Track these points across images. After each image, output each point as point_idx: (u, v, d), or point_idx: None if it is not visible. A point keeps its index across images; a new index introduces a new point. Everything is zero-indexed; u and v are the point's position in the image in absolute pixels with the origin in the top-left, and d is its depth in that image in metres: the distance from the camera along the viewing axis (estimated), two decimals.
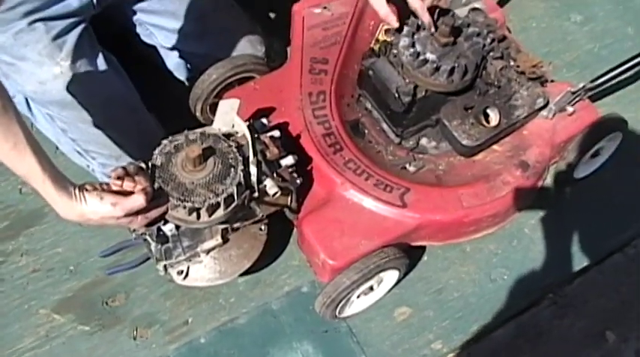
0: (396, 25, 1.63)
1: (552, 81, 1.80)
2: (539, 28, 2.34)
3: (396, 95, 1.58)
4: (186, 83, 1.84)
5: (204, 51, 1.73)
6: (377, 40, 1.85)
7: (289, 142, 1.56)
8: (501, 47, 1.73)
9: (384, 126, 1.75)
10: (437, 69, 1.57)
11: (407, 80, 1.61)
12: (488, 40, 1.67)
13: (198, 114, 1.84)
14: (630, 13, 2.42)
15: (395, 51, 1.65)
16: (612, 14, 2.40)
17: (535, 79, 1.71)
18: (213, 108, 1.46)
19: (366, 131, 1.76)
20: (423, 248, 1.74)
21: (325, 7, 1.88)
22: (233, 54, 1.75)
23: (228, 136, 1.46)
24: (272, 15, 2.13)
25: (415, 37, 1.62)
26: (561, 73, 2.20)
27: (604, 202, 1.88)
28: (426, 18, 1.58)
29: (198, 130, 1.42)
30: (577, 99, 1.75)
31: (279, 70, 1.82)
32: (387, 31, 1.82)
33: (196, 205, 1.24)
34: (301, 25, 1.86)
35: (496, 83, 1.69)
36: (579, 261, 1.87)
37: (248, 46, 1.78)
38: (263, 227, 1.59)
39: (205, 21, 1.70)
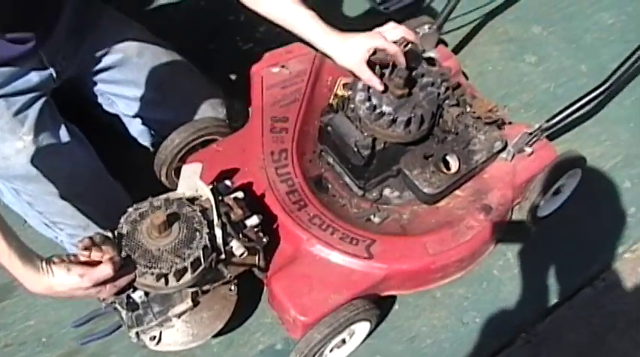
0: (380, 87, 1.61)
1: (510, 123, 1.85)
2: (496, 71, 2.40)
3: (355, 149, 1.61)
4: (151, 149, 1.86)
5: (166, 117, 1.75)
6: (335, 96, 1.89)
7: (254, 202, 1.56)
8: (456, 94, 1.78)
9: (347, 179, 1.78)
10: (394, 121, 1.61)
11: (365, 134, 1.64)
12: (443, 89, 1.71)
13: (163, 179, 1.86)
14: (582, 51, 2.49)
15: (352, 105, 1.69)
16: (565, 53, 2.44)
17: (492, 124, 1.76)
18: (178, 172, 1.48)
19: (330, 186, 1.78)
20: (393, 297, 1.75)
21: (283, 66, 1.92)
22: (195, 118, 1.78)
23: (192, 200, 1.48)
24: (232, 76, 2.17)
25: (371, 90, 1.66)
26: (519, 114, 2.25)
27: (569, 237, 1.91)
28: (402, 61, 1.63)
29: (162, 197, 1.44)
30: (534, 139, 1.79)
31: (240, 130, 1.85)
32: (344, 85, 1.87)
33: (164, 271, 1.26)
34: (260, 85, 1.90)
35: (453, 130, 1.73)
36: (550, 298, 1.88)
37: (209, 109, 1.81)
38: (233, 287, 1.60)
39: (165, 88, 1.73)
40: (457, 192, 1.77)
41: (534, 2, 2.60)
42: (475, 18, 2.48)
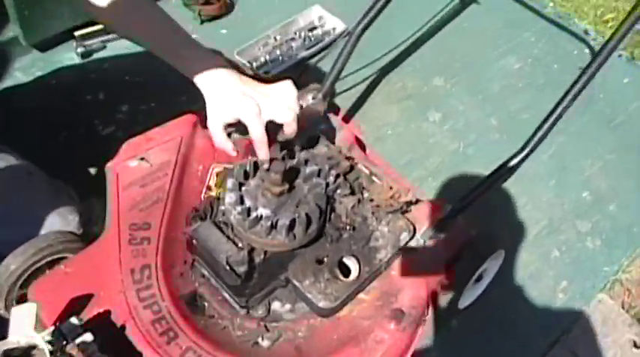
0: (233, 153, 1.34)
1: (417, 201, 1.56)
2: (396, 134, 2.13)
3: (227, 268, 1.27)
4: None
5: (8, 237, 1.39)
6: (209, 188, 1.55)
7: (110, 340, 1.24)
8: (350, 180, 1.48)
9: (226, 294, 1.43)
10: (273, 226, 1.29)
11: (240, 245, 1.31)
12: (332, 178, 1.40)
13: (2, 312, 1.49)
14: (490, 102, 2.26)
15: (222, 208, 1.36)
16: (472, 106, 2.23)
17: (395, 211, 1.46)
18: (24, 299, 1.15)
19: (207, 304, 1.45)
20: None
21: (142, 159, 1.58)
22: (41, 232, 1.41)
23: (31, 348, 1.16)
24: (90, 170, 1.80)
25: (243, 189, 1.34)
26: (427, 183, 1.98)
27: (496, 328, 1.63)
28: (263, 153, 1.31)
29: None
30: (447, 224, 1.50)
31: (94, 244, 1.50)
32: (217, 174, 1.55)
33: None
34: (115, 185, 1.56)
35: (349, 225, 1.43)
36: None
37: (57, 221, 1.48)
38: None
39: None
40: (362, 295, 1.46)
41: (432, 52, 2.36)
42: (368, 74, 2.21)
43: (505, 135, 2.10)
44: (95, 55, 2.18)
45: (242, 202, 1.33)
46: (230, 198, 1.34)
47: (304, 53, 2.25)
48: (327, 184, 1.40)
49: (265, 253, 1.34)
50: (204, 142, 1.51)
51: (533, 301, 1.72)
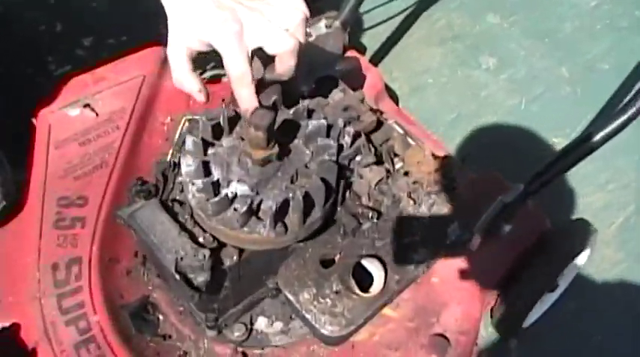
0: (201, 97, 0.85)
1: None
2: (438, 84, 1.64)
3: (177, 276, 0.80)
4: None
5: None
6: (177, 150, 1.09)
7: None
8: (375, 143, 1.00)
9: (191, 305, 0.97)
10: (253, 211, 0.81)
11: (200, 239, 0.84)
12: (348, 138, 0.92)
13: None
14: (559, 47, 1.75)
15: (178, 181, 0.89)
16: (536, 51, 1.72)
17: (441, 191, 0.98)
18: None
19: (161, 317, 0.99)
20: None
21: (87, 105, 1.13)
22: None
23: None
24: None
25: (210, 152, 0.86)
26: (477, 150, 1.48)
27: (572, 350, 1.24)
28: (244, 99, 0.81)
29: None
30: (514, 210, 1.02)
31: (6, 226, 1.06)
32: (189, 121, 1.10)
33: None
34: (46, 140, 1.12)
35: (372, 211, 0.94)
36: None
37: None
38: None
39: None
40: (388, 310, 0.99)
41: None
42: (402, 8, 1.72)
43: (579, 88, 1.61)
44: None
45: (206, 172, 0.85)
46: (188, 165, 0.86)
47: None
48: (341, 148, 0.92)
49: (241, 252, 0.87)
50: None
51: (623, 316, 1.24)
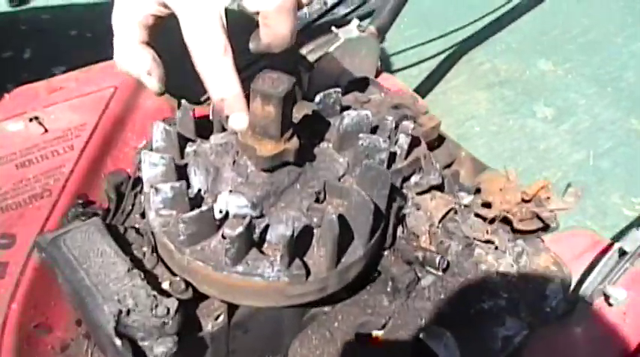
0: (151, 81, 0.56)
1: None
2: (488, 132, 1.37)
3: (118, 342, 0.45)
4: None
5: None
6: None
7: None
8: (440, 160, 0.68)
9: None
10: (251, 241, 0.47)
11: (167, 284, 0.49)
12: (404, 142, 0.59)
13: None
14: (626, 96, 1.56)
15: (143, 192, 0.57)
16: (599, 100, 1.55)
17: (533, 233, 0.65)
18: None
19: None
20: None
21: (34, 119, 0.82)
22: None
23: None
24: None
25: (190, 149, 0.53)
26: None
27: None
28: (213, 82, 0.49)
29: None
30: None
31: None
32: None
33: None
34: None
35: (437, 256, 0.60)
36: None
37: None
38: None
39: None
40: None
41: (530, 28, 1.62)
42: (441, 49, 1.44)
43: None
44: (33, 3, 1.46)
45: (181, 177, 0.52)
46: (153, 165, 0.53)
47: None
48: (392, 157, 0.59)
49: (231, 310, 0.52)
50: (158, 103, 0.88)
51: None
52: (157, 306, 0.49)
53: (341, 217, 0.54)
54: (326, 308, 0.62)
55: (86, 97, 0.94)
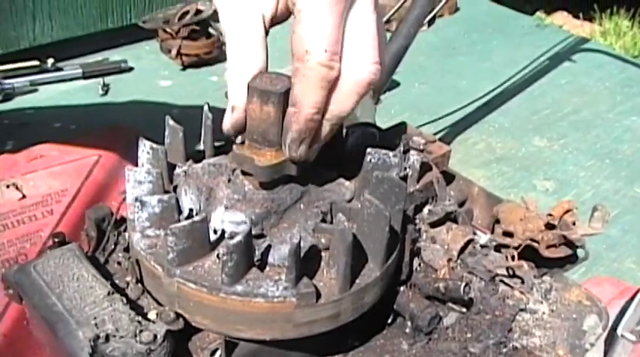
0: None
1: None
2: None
3: None
4: None
5: None
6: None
7: None
8: (455, 193, 0.62)
9: None
10: (251, 261, 0.40)
11: (154, 314, 0.41)
12: (416, 162, 0.54)
13: None
14: (625, 166, 1.56)
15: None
16: (599, 172, 1.53)
17: (560, 259, 0.59)
18: None
19: None
20: None
21: (12, 185, 0.77)
22: None
23: None
24: None
25: (180, 170, 0.47)
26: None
27: None
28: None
29: None
30: None
31: None
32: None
33: None
34: None
35: (456, 296, 0.53)
36: None
37: None
38: None
39: None
40: None
41: (521, 109, 1.71)
42: (435, 131, 1.44)
43: None
44: (18, 99, 1.45)
45: (165, 191, 0.46)
46: (138, 182, 0.47)
47: None
48: (404, 181, 0.53)
49: (230, 347, 0.44)
50: None
51: None
52: (141, 331, 0.42)
53: (354, 236, 0.47)
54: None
55: (68, 164, 0.90)
